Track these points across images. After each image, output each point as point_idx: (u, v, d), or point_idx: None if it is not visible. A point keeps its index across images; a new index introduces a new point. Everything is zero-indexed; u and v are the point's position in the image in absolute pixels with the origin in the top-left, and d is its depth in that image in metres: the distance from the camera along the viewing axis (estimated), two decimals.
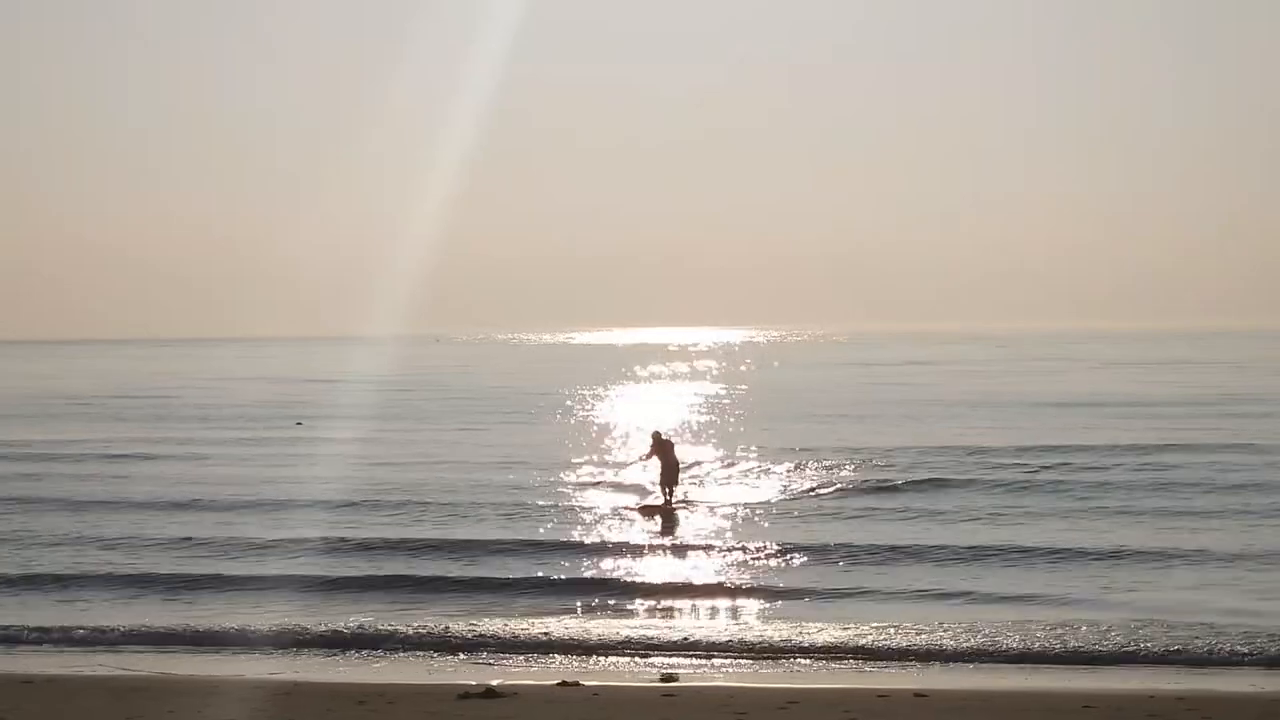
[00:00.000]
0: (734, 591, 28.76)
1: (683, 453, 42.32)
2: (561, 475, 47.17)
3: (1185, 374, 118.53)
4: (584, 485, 44.65)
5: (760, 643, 24.47)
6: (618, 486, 43.68)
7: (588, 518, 38.09)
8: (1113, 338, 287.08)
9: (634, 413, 78.06)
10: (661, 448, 39.43)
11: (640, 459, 41.60)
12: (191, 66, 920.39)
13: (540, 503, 40.45)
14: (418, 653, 24.35)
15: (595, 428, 66.59)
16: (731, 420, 71.90)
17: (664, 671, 22.58)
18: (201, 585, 30.14)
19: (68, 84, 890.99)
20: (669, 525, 37.20)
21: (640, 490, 41.82)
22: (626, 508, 39.55)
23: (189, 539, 35.45)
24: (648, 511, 38.76)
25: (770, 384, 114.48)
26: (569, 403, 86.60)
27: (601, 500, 41.33)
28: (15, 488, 45.24)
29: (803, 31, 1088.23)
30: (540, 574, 30.64)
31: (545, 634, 25.26)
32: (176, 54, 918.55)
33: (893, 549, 32.84)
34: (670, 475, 39.38)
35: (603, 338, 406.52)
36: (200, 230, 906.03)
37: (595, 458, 51.43)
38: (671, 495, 39.37)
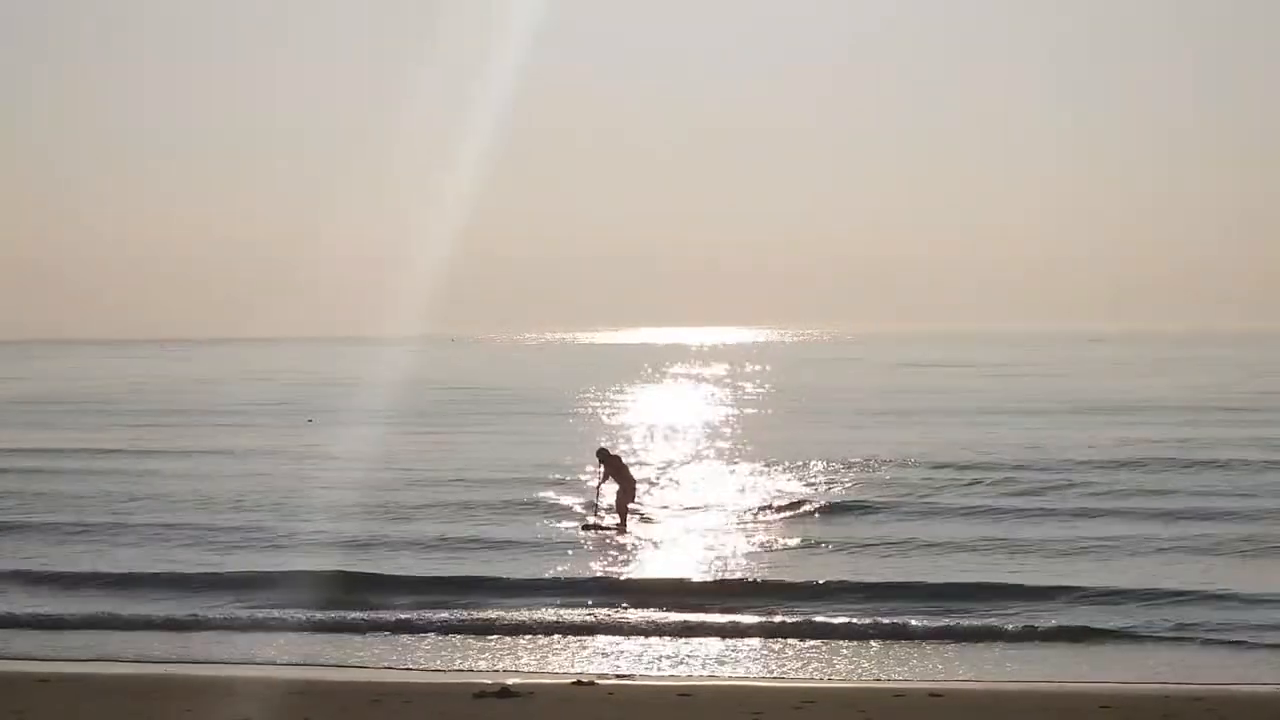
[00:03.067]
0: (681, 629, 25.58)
1: (659, 457, 41.16)
2: (516, 495, 42.08)
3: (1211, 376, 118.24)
4: (536, 507, 39.80)
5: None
6: (570, 509, 38.86)
7: (540, 542, 34.52)
8: (1131, 338, 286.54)
9: (625, 418, 77.59)
10: (611, 464, 36.68)
11: (597, 484, 37.30)
12: (209, 68, 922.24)
13: (470, 532, 35.91)
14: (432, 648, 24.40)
15: (579, 437, 61.41)
16: (728, 424, 70.88)
17: (604, 670, 22.30)
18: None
19: (84, 87, 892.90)
20: (624, 546, 34.02)
21: (593, 510, 37.30)
22: (584, 527, 36.16)
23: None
24: (600, 532, 35.63)
25: (773, 386, 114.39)
26: (566, 407, 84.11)
27: (554, 523, 37.23)
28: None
29: (818, 32, 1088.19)
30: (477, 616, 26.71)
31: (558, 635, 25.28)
32: (199, 55, 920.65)
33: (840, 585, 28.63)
34: (625, 493, 36.48)
35: (620, 338, 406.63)
36: (215, 231, 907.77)
37: (558, 476, 45.57)
38: (626, 514, 36.36)
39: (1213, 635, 24.27)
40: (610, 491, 36.71)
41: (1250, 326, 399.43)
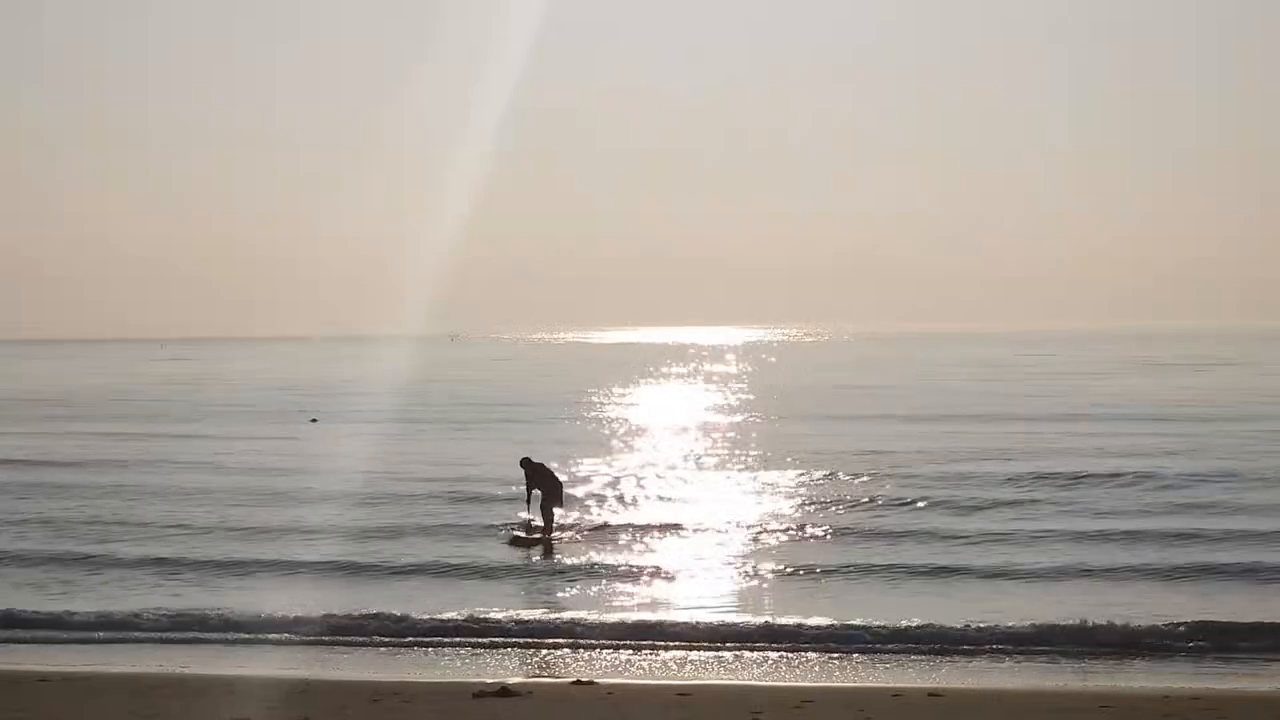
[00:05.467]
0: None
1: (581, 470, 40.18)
2: (435, 506, 40.37)
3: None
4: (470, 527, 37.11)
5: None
6: (499, 524, 36.61)
7: (456, 549, 33.63)
8: (1136, 337, 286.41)
9: (605, 421, 77.21)
10: (535, 473, 35.84)
11: (526, 496, 35.95)
12: (210, 67, 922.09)
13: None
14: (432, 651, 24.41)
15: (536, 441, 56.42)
16: (708, 428, 69.56)
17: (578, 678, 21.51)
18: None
19: (85, 87, 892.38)
20: (546, 555, 33.22)
21: (523, 527, 35.71)
22: (513, 533, 35.28)
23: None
24: (523, 541, 34.65)
25: (764, 387, 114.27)
26: (554, 410, 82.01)
27: (474, 532, 35.94)
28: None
29: (823, 33, 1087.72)
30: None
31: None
32: (199, 56, 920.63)
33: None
34: (550, 501, 35.69)
35: (621, 337, 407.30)
36: (216, 231, 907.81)
37: (484, 490, 42.46)
38: (552, 521, 35.56)
39: None
40: (536, 500, 35.79)
41: (1246, 325, 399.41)
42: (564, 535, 35.38)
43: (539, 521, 35.65)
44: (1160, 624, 24.43)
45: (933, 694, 20.08)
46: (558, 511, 36.03)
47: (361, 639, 25.30)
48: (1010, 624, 24.71)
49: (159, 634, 25.82)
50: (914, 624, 24.83)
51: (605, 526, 36.74)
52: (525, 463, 36.25)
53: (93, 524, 37.99)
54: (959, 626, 24.64)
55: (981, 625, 24.67)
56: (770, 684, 21.51)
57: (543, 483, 35.87)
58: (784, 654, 23.77)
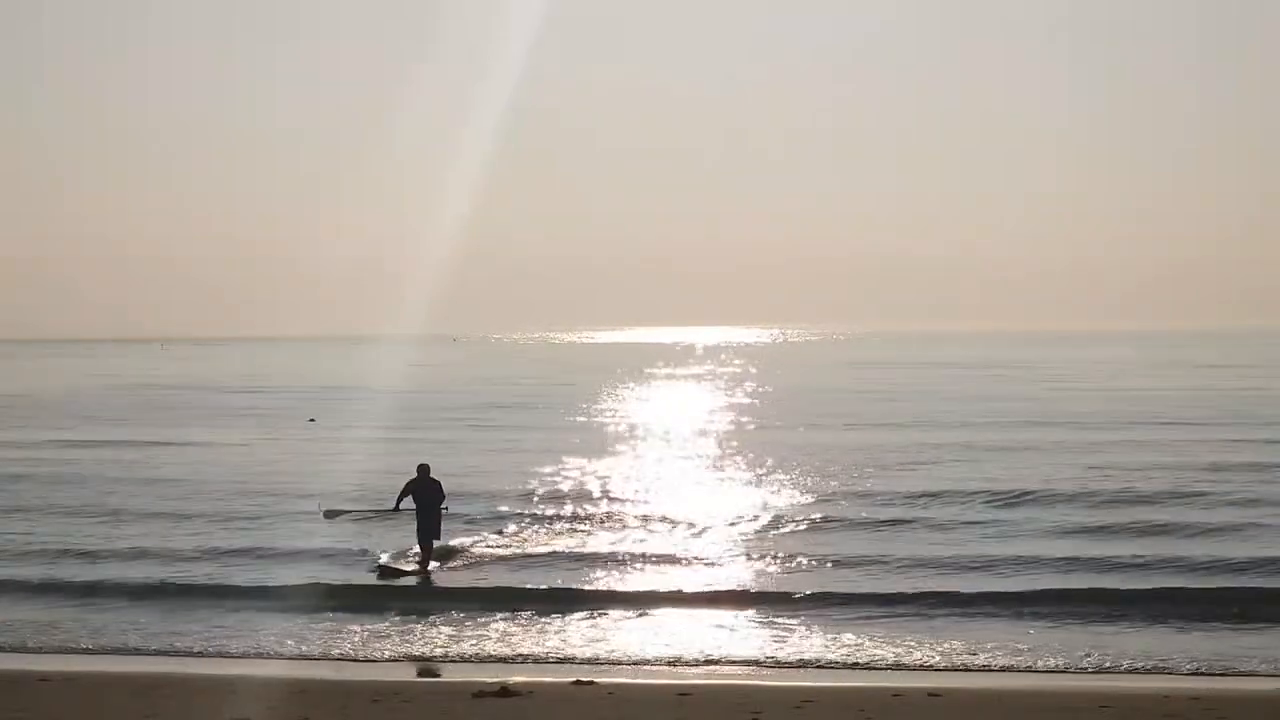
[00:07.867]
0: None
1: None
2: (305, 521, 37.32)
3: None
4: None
5: None
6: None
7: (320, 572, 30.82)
8: (1139, 338, 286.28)
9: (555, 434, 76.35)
10: (425, 486, 31.88)
11: (397, 497, 32.26)
12: (213, 68, 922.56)
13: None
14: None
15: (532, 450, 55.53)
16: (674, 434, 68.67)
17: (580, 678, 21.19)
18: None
19: (86, 87, 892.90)
20: (422, 587, 29.93)
21: (390, 543, 32.82)
22: (380, 570, 30.90)
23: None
24: (391, 572, 30.79)
25: (746, 389, 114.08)
26: (534, 414, 79.89)
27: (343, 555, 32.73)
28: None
29: (823, 34, 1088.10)
30: None
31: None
32: (199, 55, 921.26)
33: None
34: (432, 524, 31.57)
35: (621, 337, 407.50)
36: (215, 231, 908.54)
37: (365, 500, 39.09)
38: (430, 550, 31.53)
39: None
40: (408, 512, 32.10)
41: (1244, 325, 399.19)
42: (441, 563, 31.55)
43: (391, 564, 31.33)
44: None
45: (932, 694, 20.07)
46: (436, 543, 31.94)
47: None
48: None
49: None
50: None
51: (488, 558, 32.54)
52: (422, 469, 32.45)
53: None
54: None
55: None
56: (771, 684, 21.46)
57: (426, 497, 31.79)
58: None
